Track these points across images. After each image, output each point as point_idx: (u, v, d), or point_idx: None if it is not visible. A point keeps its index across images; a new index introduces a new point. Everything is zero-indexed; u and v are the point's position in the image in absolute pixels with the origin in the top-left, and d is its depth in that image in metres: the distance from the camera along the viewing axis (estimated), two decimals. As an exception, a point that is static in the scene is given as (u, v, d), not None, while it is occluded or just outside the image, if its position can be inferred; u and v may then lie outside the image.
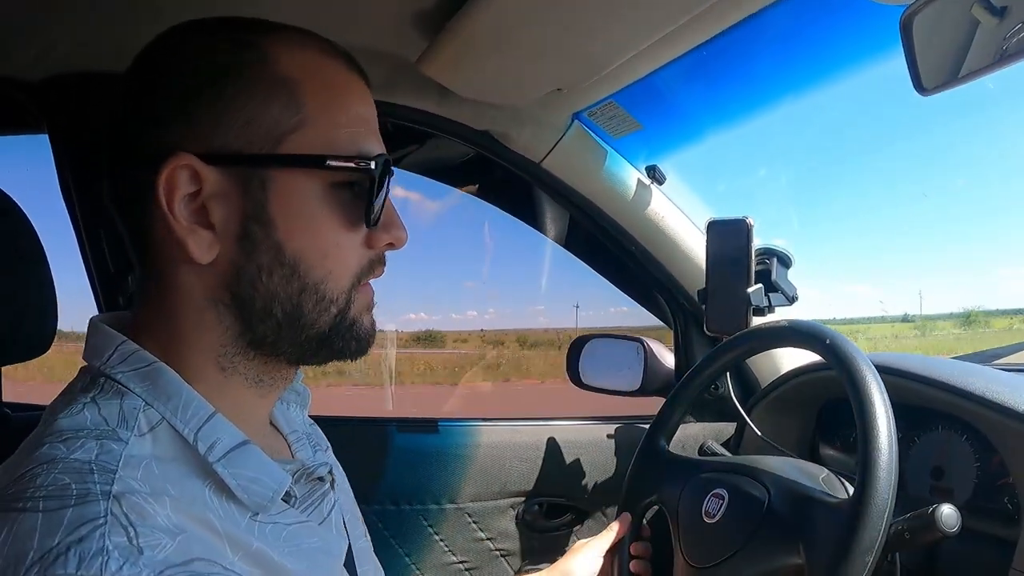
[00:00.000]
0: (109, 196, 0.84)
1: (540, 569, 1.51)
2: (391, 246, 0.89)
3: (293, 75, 0.80)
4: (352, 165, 0.81)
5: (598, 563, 1.39)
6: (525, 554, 1.99)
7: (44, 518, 0.64)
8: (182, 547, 0.68)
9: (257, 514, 0.79)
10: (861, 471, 1.07)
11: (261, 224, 0.79)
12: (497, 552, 1.97)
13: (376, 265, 0.88)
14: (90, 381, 0.80)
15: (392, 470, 1.91)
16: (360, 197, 0.83)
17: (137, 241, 0.83)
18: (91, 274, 1.79)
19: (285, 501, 0.84)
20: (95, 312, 1.39)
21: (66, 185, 1.69)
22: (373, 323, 0.90)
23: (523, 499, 1.98)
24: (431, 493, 1.92)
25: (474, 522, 1.95)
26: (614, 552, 1.44)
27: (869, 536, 1.03)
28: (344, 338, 0.86)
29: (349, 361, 0.90)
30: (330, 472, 0.97)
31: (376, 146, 0.85)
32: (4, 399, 1.51)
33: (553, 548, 1.99)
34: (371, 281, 0.90)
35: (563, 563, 1.40)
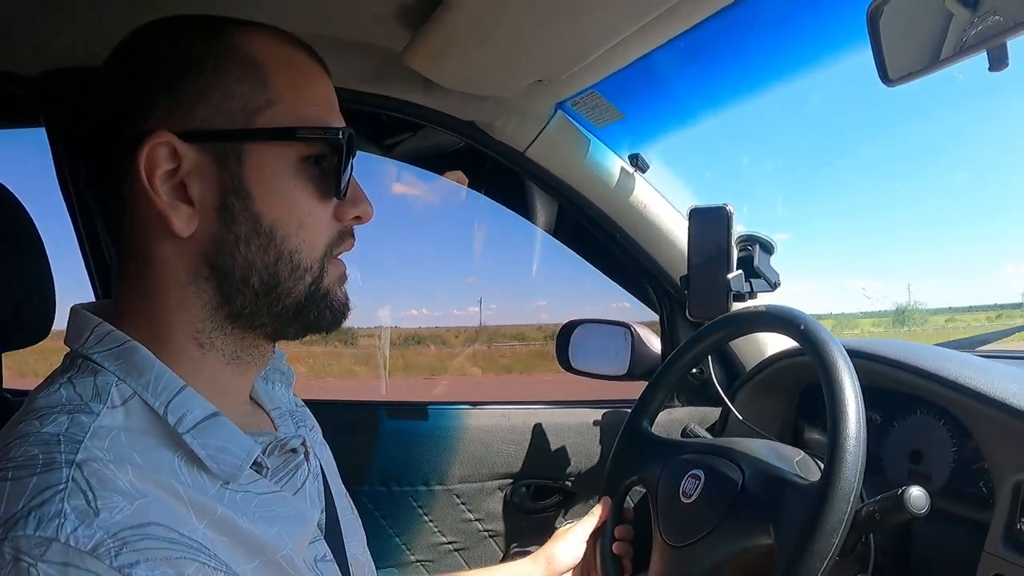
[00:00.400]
0: (87, 182, 0.88)
1: (528, 551, 1.54)
2: (358, 219, 0.92)
3: (261, 58, 0.85)
4: (321, 136, 0.85)
5: (581, 548, 1.43)
6: (513, 535, 2.02)
7: (11, 486, 0.68)
8: (140, 511, 0.70)
9: (228, 483, 0.82)
10: (829, 454, 1.09)
11: (239, 196, 0.83)
12: (485, 533, 2.00)
13: (346, 237, 0.92)
14: (68, 363, 0.84)
15: (383, 452, 1.94)
16: (329, 170, 0.87)
17: (116, 224, 0.86)
18: (88, 265, 1.81)
19: (257, 472, 0.87)
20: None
21: (63, 178, 1.71)
22: (346, 296, 0.94)
23: (511, 481, 2.00)
24: (421, 475, 1.95)
25: (463, 503, 1.97)
26: (597, 536, 1.46)
27: (834, 518, 1.05)
28: (319, 308, 0.90)
29: (323, 335, 0.94)
30: (303, 444, 0.99)
31: (338, 121, 0.90)
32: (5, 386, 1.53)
33: (541, 529, 2.00)
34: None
35: (547, 548, 1.44)
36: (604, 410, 2.07)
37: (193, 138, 0.81)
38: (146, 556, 0.68)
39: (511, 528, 2.02)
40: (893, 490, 1.10)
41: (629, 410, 2.00)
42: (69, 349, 0.86)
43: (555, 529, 1.96)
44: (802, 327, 1.23)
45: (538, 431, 2.00)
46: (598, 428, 2.04)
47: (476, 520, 1.99)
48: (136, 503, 0.71)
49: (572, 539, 1.43)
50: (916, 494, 1.08)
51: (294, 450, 0.97)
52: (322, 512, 1.00)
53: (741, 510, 1.21)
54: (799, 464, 1.26)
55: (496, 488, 2.00)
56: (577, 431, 2.03)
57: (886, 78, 1.06)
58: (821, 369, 1.16)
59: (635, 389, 2.15)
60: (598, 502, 1.49)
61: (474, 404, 2.04)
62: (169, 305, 0.85)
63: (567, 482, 2.04)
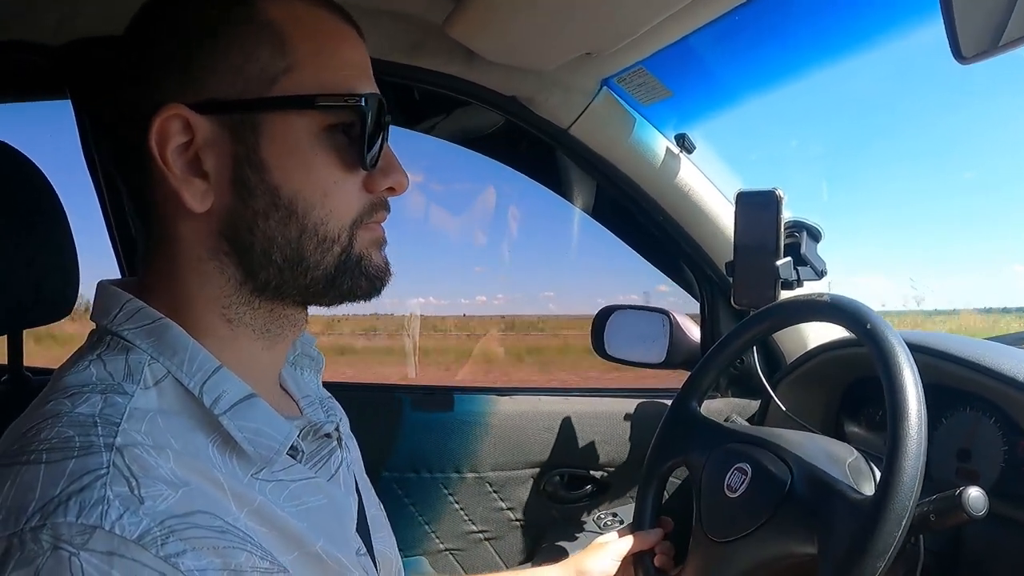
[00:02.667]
0: (111, 156, 0.87)
1: (560, 547, 1.51)
2: (391, 191, 0.88)
3: (281, 22, 0.80)
4: (343, 103, 0.81)
5: (614, 566, 1.37)
6: (544, 525, 1.99)
7: (47, 469, 0.65)
8: (185, 499, 0.68)
9: (260, 471, 0.79)
10: (885, 475, 1.04)
11: (254, 168, 0.80)
12: (517, 522, 1.97)
13: (378, 209, 0.88)
14: (97, 340, 0.81)
15: (413, 438, 1.92)
16: (355, 139, 0.82)
17: (138, 200, 0.84)
18: (114, 239, 1.81)
19: (292, 456, 0.85)
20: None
21: (89, 151, 1.69)
22: (385, 261, 0.90)
23: (544, 470, 1.97)
24: (452, 462, 1.92)
25: (494, 491, 1.95)
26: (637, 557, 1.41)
27: (884, 541, 1.00)
28: (353, 276, 0.86)
29: (362, 302, 0.90)
30: (337, 429, 0.98)
31: (368, 86, 0.85)
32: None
33: (573, 519, 1.98)
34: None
35: (579, 560, 1.38)
36: (635, 400, 2.04)
37: (207, 109, 0.79)
38: (193, 545, 0.66)
39: (543, 518, 1.99)
40: (950, 490, 1.05)
41: (664, 401, 1.98)
42: (96, 326, 0.83)
43: (587, 520, 1.96)
44: (868, 326, 1.17)
45: (571, 419, 1.97)
46: (632, 418, 2.00)
47: (507, 509, 1.96)
48: (180, 491, 0.69)
49: (605, 555, 1.37)
50: (975, 495, 1.03)
51: (328, 435, 0.95)
52: (356, 508, 0.97)
53: (787, 514, 1.16)
54: (851, 468, 1.21)
55: (528, 477, 1.97)
56: (610, 420, 2.00)
57: (959, 55, 1.01)
58: (886, 379, 1.10)
59: (669, 379, 2.13)
60: (632, 491, 1.45)
61: (507, 390, 2.01)
62: (192, 283, 0.83)
63: (600, 472, 2.00)
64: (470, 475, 1.93)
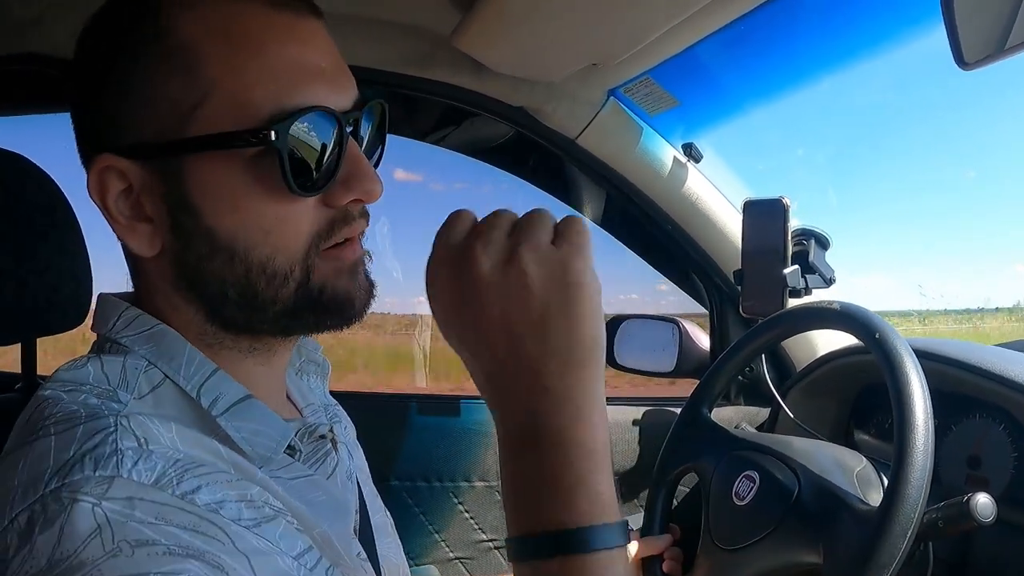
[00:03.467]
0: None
1: None
2: (359, 201, 0.80)
3: (192, 39, 0.72)
4: (249, 142, 0.72)
5: None
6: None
7: (56, 439, 0.66)
8: (188, 456, 0.70)
9: (259, 469, 0.79)
10: (890, 486, 1.04)
11: (186, 212, 0.75)
12: None
13: (340, 226, 0.79)
14: (96, 347, 0.82)
15: (423, 447, 1.92)
16: (297, 162, 0.73)
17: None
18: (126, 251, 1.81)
19: (290, 455, 0.84)
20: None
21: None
22: (356, 288, 0.82)
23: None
24: (462, 471, 1.92)
25: None
26: (645, 561, 1.41)
27: (889, 554, 1.00)
28: (316, 312, 0.80)
29: (341, 330, 0.85)
30: (331, 431, 0.95)
31: (312, 95, 0.74)
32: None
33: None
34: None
35: None
36: (641, 408, 2.03)
37: (132, 153, 0.74)
38: (207, 480, 0.68)
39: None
40: (958, 497, 1.05)
41: (670, 409, 1.98)
42: (97, 336, 0.83)
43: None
44: (877, 335, 1.17)
45: None
46: (641, 426, 2.00)
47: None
48: (183, 453, 0.69)
49: None
50: (983, 501, 1.03)
51: (323, 437, 0.94)
52: (356, 512, 0.97)
53: (793, 523, 1.17)
54: (859, 477, 1.21)
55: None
56: (620, 429, 1.99)
57: (961, 61, 1.01)
58: (893, 391, 1.10)
59: (674, 388, 2.13)
60: (643, 499, 1.45)
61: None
62: (167, 310, 0.81)
63: (617, 481, 1.98)
64: (480, 484, 1.92)
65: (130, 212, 0.76)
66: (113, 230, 0.78)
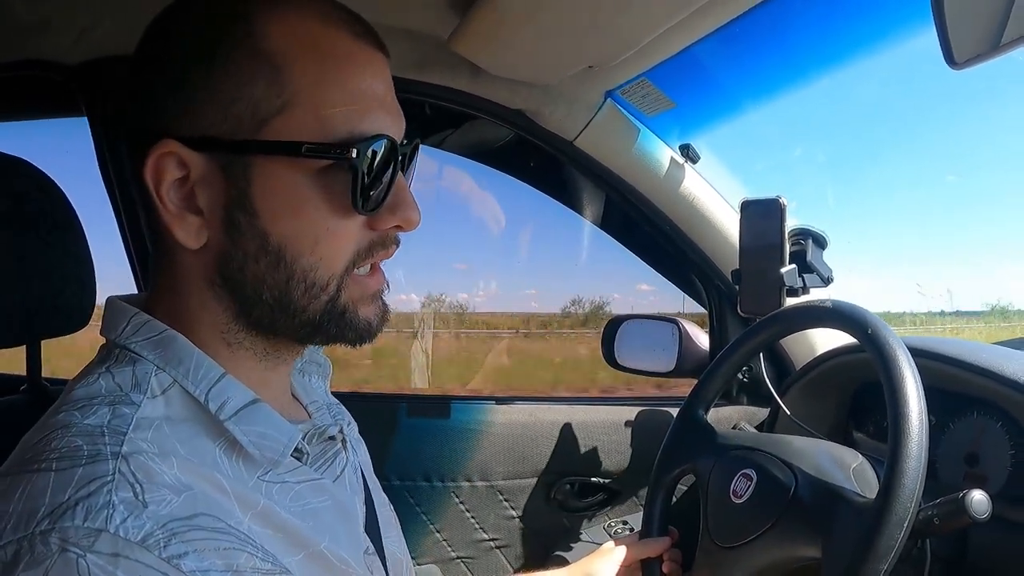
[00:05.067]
0: (131, 176, 0.84)
1: (561, 557, 1.51)
2: (399, 228, 0.85)
3: (282, 49, 0.76)
4: (331, 157, 0.77)
5: (622, 573, 1.37)
6: (556, 533, 1.99)
7: (56, 477, 0.67)
8: (187, 503, 0.70)
9: (266, 473, 0.80)
10: (886, 478, 1.05)
11: (244, 212, 0.78)
12: (528, 530, 1.97)
13: (379, 248, 0.84)
14: (106, 354, 0.83)
15: (425, 446, 1.93)
16: (355, 183, 0.78)
17: (149, 223, 0.84)
18: (130, 255, 1.83)
19: (297, 459, 0.85)
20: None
21: (105, 168, 1.71)
22: (374, 314, 0.87)
23: (555, 478, 1.97)
24: (463, 470, 1.93)
25: (505, 500, 1.95)
26: (644, 565, 1.42)
27: (887, 543, 1.01)
28: (337, 325, 0.84)
29: (356, 347, 0.88)
30: (341, 431, 0.98)
31: (380, 124, 0.80)
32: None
33: (583, 527, 1.98)
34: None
35: (586, 565, 1.39)
36: (634, 408, 2.04)
37: (201, 145, 0.77)
38: (195, 547, 0.68)
39: (553, 525, 1.99)
40: (954, 494, 1.05)
41: (663, 409, 1.99)
42: (106, 340, 0.85)
43: (597, 528, 1.96)
44: (869, 331, 1.18)
45: (582, 427, 1.98)
46: (643, 425, 2.00)
47: (519, 517, 1.97)
48: (183, 495, 0.70)
49: (613, 561, 1.37)
50: (978, 498, 1.03)
51: (332, 438, 0.96)
52: (363, 505, 0.99)
53: (791, 519, 1.17)
54: (856, 472, 1.21)
55: (540, 485, 1.97)
56: (621, 428, 2.00)
57: (952, 61, 1.02)
58: (886, 383, 1.10)
59: (677, 386, 2.14)
60: (643, 500, 1.45)
61: (519, 398, 2.03)
62: (194, 305, 0.83)
63: (611, 479, 2.00)
64: (481, 483, 1.93)
65: (181, 202, 0.78)
66: (159, 218, 0.79)
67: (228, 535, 0.71)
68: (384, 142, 0.79)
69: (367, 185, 0.78)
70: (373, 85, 0.81)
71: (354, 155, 0.76)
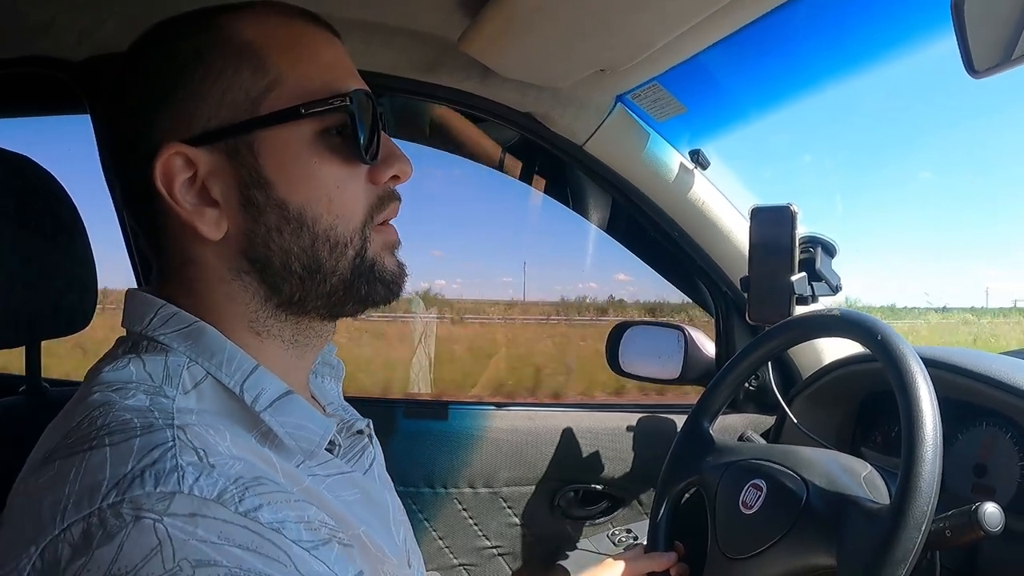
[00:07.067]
0: (122, 198, 0.89)
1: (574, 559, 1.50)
2: (396, 179, 0.90)
3: (256, 40, 0.83)
4: (329, 106, 0.82)
5: None
6: (559, 541, 1.98)
7: (112, 451, 0.67)
8: (248, 468, 0.72)
9: (300, 464, 0.82)
10: (902, 478, 1.04)
11: (260, 187, 0.82)
12: (531, 538, 1.96)
13: (387, 201, 0.89)
14: (132, 344, 0.83)
15: (428, 453, 1.92)
16: (350, 137, 0.84)
17: (152, 232, 0.86)
18: (131, 252, 1.82)
19: (329, 451, 0.88)
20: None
21: (107, 166, 1.70)
22: (399, 265, 0.92)
23: (559, 485, 1.96)
24: (466, 477, 1.92)
25: (508, 507, 1.94)
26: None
27: (904, 548, 1.00)
28: (368, 281, 0.88)
29: (381, 307, 0.92)
30: (368, 426, 1.01)
31: (352, 83, 0.87)
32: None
33: (587, 535, 1.98)
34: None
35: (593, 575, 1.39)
36: (654, 414, 2.03)
37: (202, 140, 0.81)
38: (268, 500, 0.69)
39: (557, 533, 1.98)
40: (966, 506, 1.04)
41: (665, 416, 1.98)
42: (127, 332, 0.85)
43: (602, 536, 1.95)
44: (879, 337, 1.17)
45: (586, 434, 1.97)
46: (647, 433, 1.99)
47: (522, 524, 1.96)
48: (241, 462, 0.72)
49: (618, 572, 1.38)
50: (991, 511, 1.03)
51: (360, 432, 0.99)
52: (393, 498, 1.01)
53: (804, 527, 1.16)
54: (866, 481, 1.21)
55: (543, 492, 1.96)
56: (626, 435, 1.99)
57: (972, 69, 1.01)
58: (898, 387, 1.10)
59: (683, 393, 2.13)
60: (648, 508, 1.45)
61: (522, 404, 2.02)
62: (219, 301, 0.85)
63: (615, 487, 1.99)
64: (484, 490, 1.92)
65: (195, 199, 0.82)
66: (177, 219, 0.82)
67: (291, 494, 0.74)
68: (364, 94, 0.86)
69: (365, 133, 0.85)
70: (339, 58, 0.89)
71: (348, 102, 0.83)
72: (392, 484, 1.11)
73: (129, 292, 0.87)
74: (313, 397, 1.01)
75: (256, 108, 0.81)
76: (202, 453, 0.68)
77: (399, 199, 0.91)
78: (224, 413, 0.79)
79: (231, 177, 0.82)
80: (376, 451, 1.05)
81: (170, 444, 0.68)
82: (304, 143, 0.82)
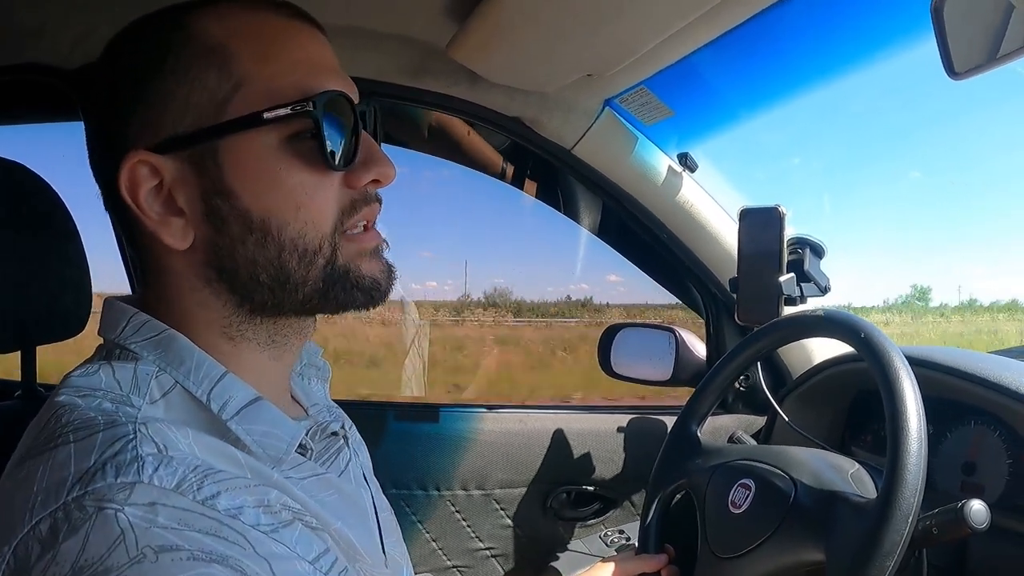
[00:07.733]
0: (104, 203, 0.87)
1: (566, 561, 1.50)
2: (376, 183, 0.86)
3: (222, 39, 0.79)
4: (288, 111, 0.78)
5: None
6: (551, 542, 1.98)
7: (76, 447, 0.68)
8: (207, 463, 0.72)
9: (271, 471, 0.80)
10: (888, 472, 1.05)
11: (222, 196, 0.79)
12: (524, 539, 1.96)
13: (361, 204, 0.85)
14: (105, 353, 0.83)
15: (421, 455, 1.92)
16: (321, 142, 0.80)
17: (130, 242, 0.86)
18: (125, 259, 1.83)
19: (301, 455, 0.86)
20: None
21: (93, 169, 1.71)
22: (378, 270, 0.88)
23: (551, 487, 1.97)
24: (459, 479, 1.93)
25: (501, 509, 1.95)
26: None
27: (891, 540, 1.01)
28: (345, 289, 0.85)
29: (364, 311, 0.89)
30: (343, 427, 1.00)
31: (329, 83, 0.82)
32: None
33: (579, 536, 1.98)
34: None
35: None
36: (645, 415, 2.03)
37: (167, 148, 0.79)
38: (225, 487, 0.70)
39: (549, 535, 1.98)
40: (952, 503, 1.05)
41: (655, 417, 1.98)
42: (103, 340, 0.85)
43: (594, 537, 1.95)
44: (863, 335, 1.19)
45: (578, 436, 1.97)
46: (639, 434, 2.00)
47: (514, 526, 1.96)
48: (201, 458, 0.72)
49: (609, 573, 1.38)
50: (977, 508, 1.03)
51: (334, 434, 0.97)
52: (371, 501, 1.01)
53: (792, 524, 1.17)
54: (853, 477, 1.22)
55: (535, 494, 1.96)
56: (617, 437, 2.00)
57: (952, 71, 1.02)
58: (882, 382, 1.12)
59: (676, 394, 2.14)
60: (639, 509, 1.45)
61: (515, 407, 2.03)
62: (191, 308, 0.84)
63: (607, 488, 2.00)
64: (476, 492, 1.93)
65: (161, 208, 0.80)
66: (143, 228, 0.81)
67: (255, 480, 0.74)
68: (335, 95, 0.81)
69: (333, 139, 0.81)
70: (314, 53, 0.84)
71: (311, 107, 0.79)
72: (378, 486, 1.11)
73: (106, 301, 0.86)
74: (295, 399, 1.01)
75: (221, 112, 0.78)
76: (162, 447, 0.69)
77: (378, 202, 0.88)
78: (192, 423, 0.78)
79: (195, 186, 0.80)
80: (353, 453, 1.03)
81: (131, 436, 0.68)
82: (269, 149, 0.79)
